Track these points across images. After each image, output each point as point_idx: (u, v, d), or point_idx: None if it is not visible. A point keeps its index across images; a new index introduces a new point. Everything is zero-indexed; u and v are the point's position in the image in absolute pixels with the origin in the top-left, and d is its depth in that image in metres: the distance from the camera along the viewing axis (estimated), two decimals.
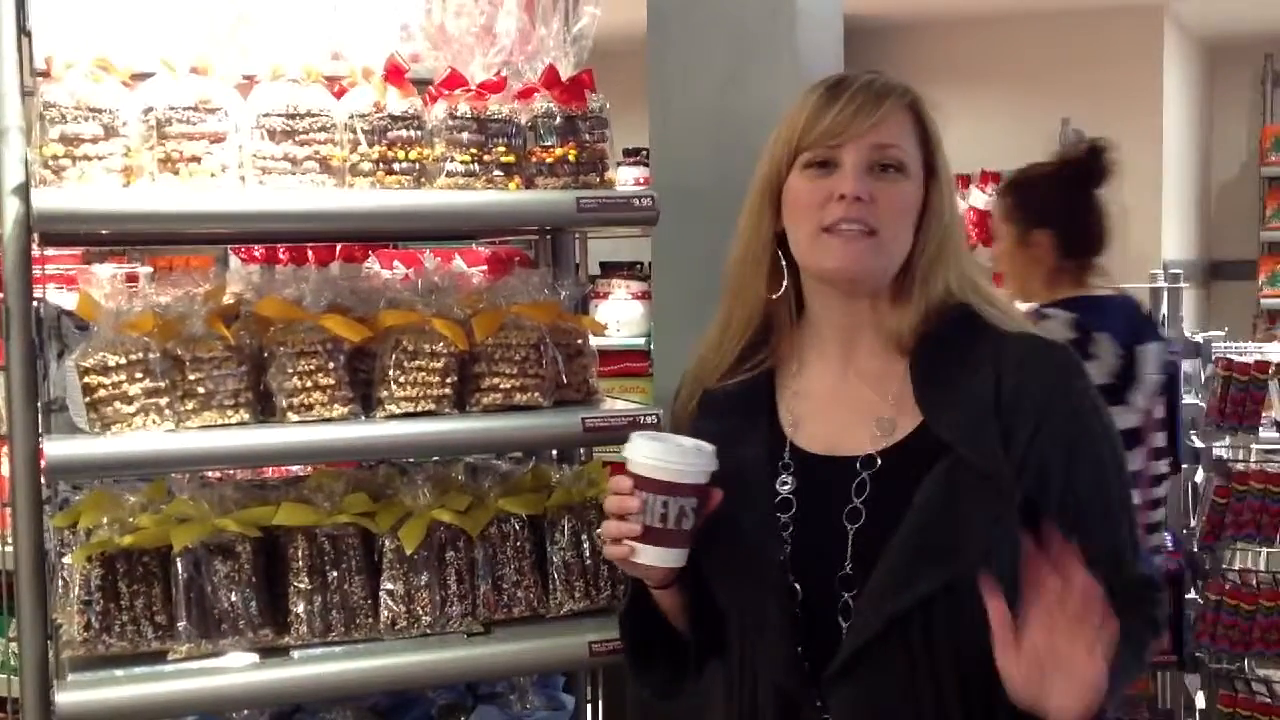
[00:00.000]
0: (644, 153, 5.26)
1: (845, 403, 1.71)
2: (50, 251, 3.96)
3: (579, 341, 2.44)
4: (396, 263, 4.68)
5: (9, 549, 2.29)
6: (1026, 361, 1.64)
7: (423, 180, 2.29)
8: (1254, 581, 4.27)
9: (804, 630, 1.63)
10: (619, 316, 5.53)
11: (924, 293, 1.67)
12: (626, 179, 5.28)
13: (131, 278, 3.84)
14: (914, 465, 1.62)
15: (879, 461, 1.65)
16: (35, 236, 2.19)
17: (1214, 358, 4.32)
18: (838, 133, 1.65)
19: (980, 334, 1.67)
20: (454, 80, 2.34)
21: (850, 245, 1.64)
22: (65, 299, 3.04)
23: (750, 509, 1.68)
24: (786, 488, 1.69)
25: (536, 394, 2.32)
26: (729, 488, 1.68)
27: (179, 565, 2.14)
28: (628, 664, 1.88)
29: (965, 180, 6.32)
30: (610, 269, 5.86)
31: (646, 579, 1.72)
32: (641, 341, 5.44)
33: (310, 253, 5.01)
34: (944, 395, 1.64)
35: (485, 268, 4.31)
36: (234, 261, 5.26)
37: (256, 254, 5.34)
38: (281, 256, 5.35)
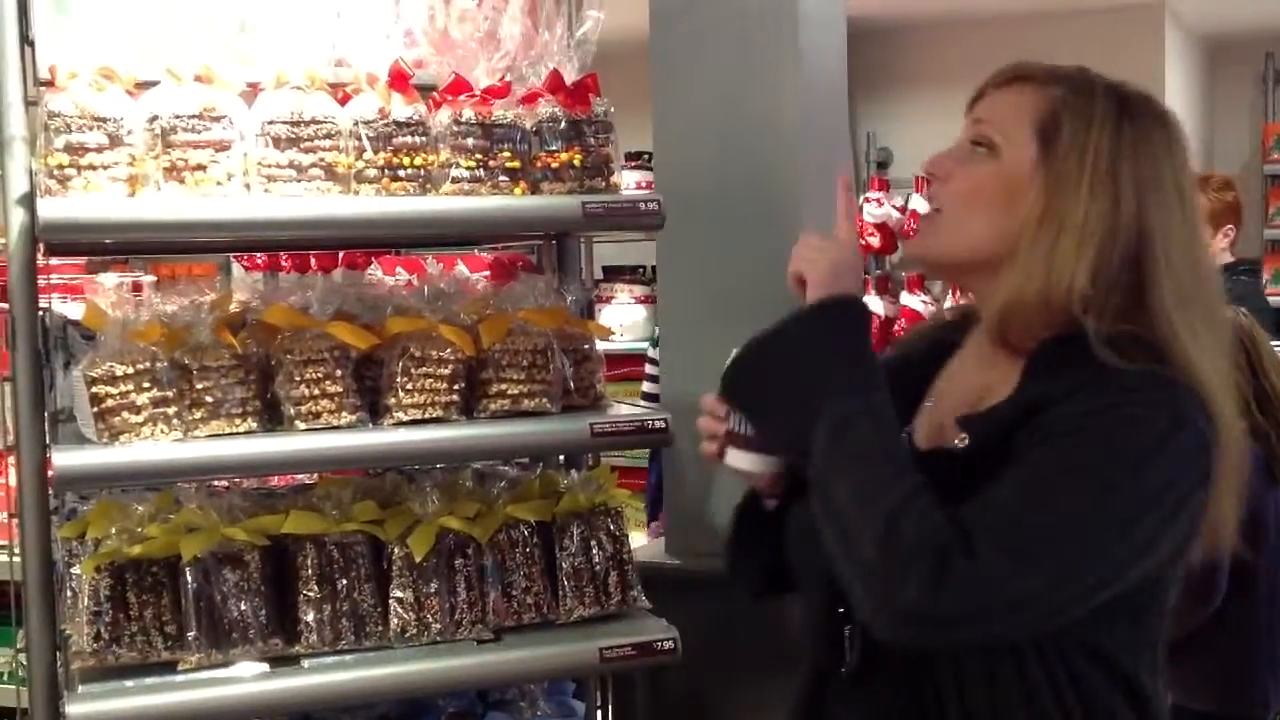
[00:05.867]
0: (645, 156, 5.25)
1: (954, 395, 1.66)
2: (54, 261, 3.96)
3: (585, 347, 2.44)
4: (399, 269, 4.67)
5: (17, 559, 2.28)
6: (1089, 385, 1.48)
7: (428, 186, 2.28)
8: None
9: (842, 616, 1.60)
10: (622, 320, 5.53)
11: (994, 284, 1.57)
12: (628, 182, 5.27)
13: (136, 287, 3.83)
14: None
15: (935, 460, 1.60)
16: (40, 246, 2.18)
17: None
18: (967, 112, 1.66)
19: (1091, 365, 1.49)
20: (458, 86, 2.33)
21: (918, 228, 1.67)
22: (69, 308, 3.03)
23: None
24: None
25: (544, 400, 2.31)
26: None
27: (188, 575, 2.13)
28: (724, 555, 1.84)
29: None
30: (613, 273, 5.85)
31: (756, 486, 1.74)
32: (645, 345, 5.43)
33: (313, 259, 5.01)
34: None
35: (488, 273, 4.30)
36: (236, 269, 5.26)
37: (260, 261, 5.34)
38: (284, 264, 5.35)
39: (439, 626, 2.25)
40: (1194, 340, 1.52)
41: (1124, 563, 1.44)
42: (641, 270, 5.72)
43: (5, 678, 3.48)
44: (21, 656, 2.58)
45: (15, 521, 2.28)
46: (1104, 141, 1.54)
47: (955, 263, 1.65)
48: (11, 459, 2.27)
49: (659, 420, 2.36)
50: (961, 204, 1.60)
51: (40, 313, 2.22)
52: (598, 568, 2.36)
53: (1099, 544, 1.41)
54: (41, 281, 2.21)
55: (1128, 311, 1.52)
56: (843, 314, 1.57)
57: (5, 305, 2.23)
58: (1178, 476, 1.45)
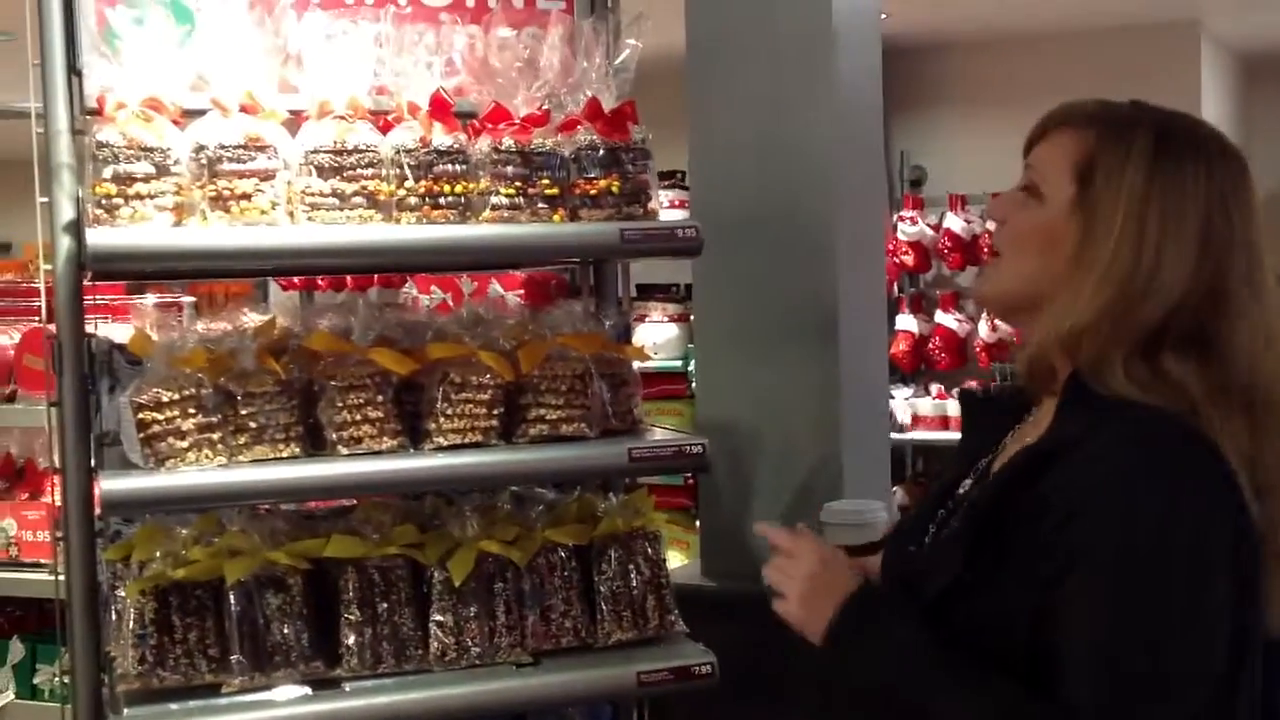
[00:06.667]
0: (678, 175, 5.26)
1: (1021, 437, 1.69)
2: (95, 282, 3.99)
3: (623, 371, 2.45)
4: (434, 287, 4.70)
5: (61, 578, 2.31)
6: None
7: (468, 214, 2.30)
8: None
9: None
10: (656, 339, 5.53)
11: (1031, 327, 1.63)
12: (661, 201, 5.27)
13: (176, 307, 3.88)
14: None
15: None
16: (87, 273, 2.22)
17: None
18: (1024, 155, 1.70)
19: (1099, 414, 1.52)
20: (498, 114, 2.36)
21: (983, 270, 1.73)
22: (110, 329, 3.07)
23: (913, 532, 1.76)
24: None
25: (583, 425, 2.33)
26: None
27: (231, 598, 2.15)
28: None
29: None
30: (647, 291, 5.86)
31: None
32: (679, 364, 5.44)
33: (349, 279, 5.04)
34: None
35: (522, 291, 4.32)
36: (274, 287, 5.30)
37: (296, 280, 5.38)
38: (320, 283, 5.39)
39: (478, 650, 2.27)
40: (1214, 405, 1.49)
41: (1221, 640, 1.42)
42: (675, 288, 5.73)
43: (48, 694, 3.52)
44: (65, 676, 2.62)
45: (59, 543, 2.31)
46: (1136, 183, 1.54)
47: (1006, 304, 1.70)
48: (56, 480, 2.30)
49: (696, 445, 2.38)
50: (1012, 248, 1.65)
51: (86, 338, 2.26)
52: (635, 591, 2.37)
53: (1202, 635, 1.41)
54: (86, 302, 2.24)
55: (1145, 352, 1.52)
56: (850, 641, 1.62)
57: (52, 328, 2.26)
58: (1201, 537, 1.43)
